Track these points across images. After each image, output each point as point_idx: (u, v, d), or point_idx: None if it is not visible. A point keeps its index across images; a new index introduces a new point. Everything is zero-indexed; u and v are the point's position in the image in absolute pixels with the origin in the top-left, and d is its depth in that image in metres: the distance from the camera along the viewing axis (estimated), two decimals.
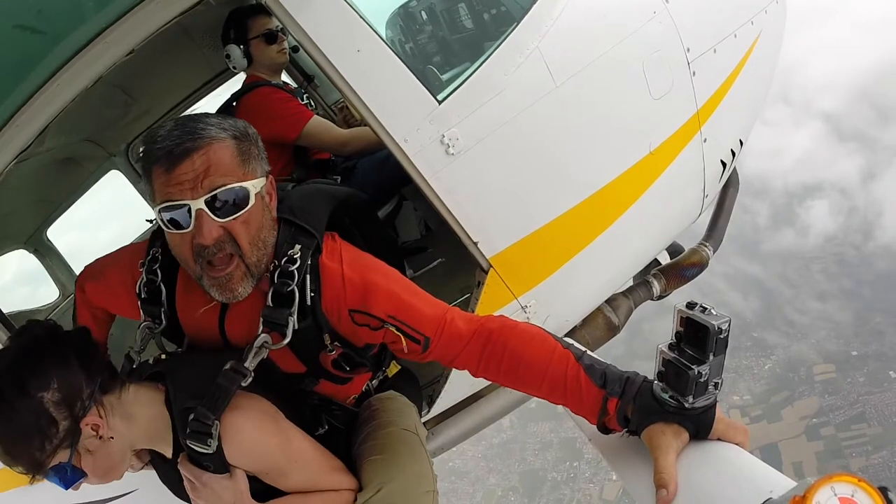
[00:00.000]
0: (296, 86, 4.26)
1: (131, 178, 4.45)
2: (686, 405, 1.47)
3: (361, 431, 2.04)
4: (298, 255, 1.69)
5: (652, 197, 2.73)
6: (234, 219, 1.58)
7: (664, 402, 1.51)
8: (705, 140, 2.89)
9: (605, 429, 1.62)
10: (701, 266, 3.50)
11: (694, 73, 2.75)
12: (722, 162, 3.15)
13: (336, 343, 1.80)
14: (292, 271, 1.67)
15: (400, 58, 2.21)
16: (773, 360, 76.83)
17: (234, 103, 3.32)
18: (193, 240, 1.57)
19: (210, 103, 4.25)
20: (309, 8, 2.09)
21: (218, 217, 1.56)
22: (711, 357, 1.45)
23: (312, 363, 1.86)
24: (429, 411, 2.74)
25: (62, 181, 4.29)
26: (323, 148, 3.37)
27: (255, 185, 1.61)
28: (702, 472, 1.47)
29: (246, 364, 1.64)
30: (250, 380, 1.64)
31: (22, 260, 4.51)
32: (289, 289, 1.67)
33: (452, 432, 2.99)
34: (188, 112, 4.28)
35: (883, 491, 1.10)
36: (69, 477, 1.57)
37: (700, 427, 1.50)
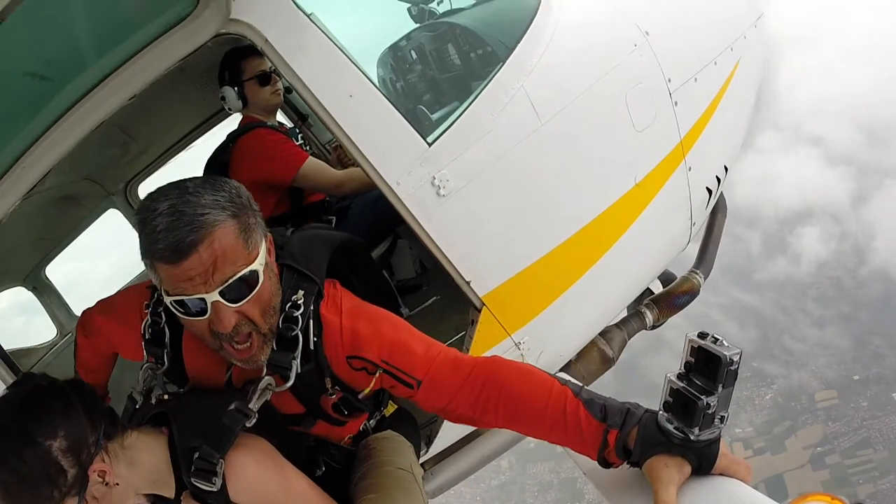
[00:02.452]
0: (290, 125, 4.33)
1: (130, 218, 4.49)
2: (692, 437, 1.46)
3: (358, 470, 2.05)
4: (302, 300, 1.73)
5: (640, 228, 2.78)
6: (247, 301, 1.60)
7: (669, 433, 1.50)
8: (690, 168, 2.96)
9: (605, 462, 1.61)
10: (692, 294, 3.53)
11: (676, 103, 2.83)
12: (708, 189, 3.22)
13: (336, 387, 1.83)
14: (296, 317, 1.71)
15: (391, 102, 2.28)
16: (774, 389, 76.18)
17: (230, 144, 3.37)
18: (211, 325, 1.60)
19: (207, 142, 4.31)
20: (302, 53, 2.17)
21: (232, 303, 1.58)
22: (721, 388, 1.45)
23: (312, 405, 1.89)
24: (427, 451, 2.74)
25: (61, 219, 4.32)
26: (318, 189, 3.42)
27: (261, 262, 1.62)
28: None
29: (250, 405, 1.68)
30: (254, 420, 1.68)
31: (16, 291, 4.51)
32: (293, 333, 1.71)
33: (451, 471, 2.98)
34: (189, 135, 4.31)
35: None
36: None
37: (703, 461, 1.50)
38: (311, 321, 1.74)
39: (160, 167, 4.40)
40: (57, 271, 4.65)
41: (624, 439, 1.54)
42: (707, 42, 3.10)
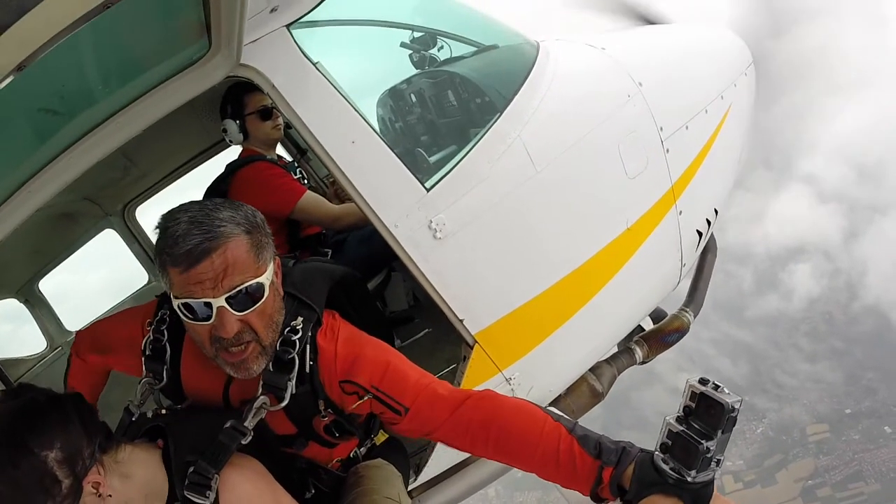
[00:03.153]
0: (290, 159, 4.37)
1: (126, 239, 4.52)
2: (689, 479, 1.49)
3: (346, 497, 2.08)
4: (300, 326, 1.82)
5: (631, 270, 2.85)
6: (251, 311, 1.69)
7: (665, 473, 1.52)
8: (681, 212, 3.06)
9: (598, 498, 1.64)
10: (682, 332, 3.58)
11: (668, 151, 2.94)
12: (698, 231, 3.31)
13: (329, 410, 1.89)
14: (294, 340, 1.80)
15: (391, 149, 2.37)
16: (765, 423, 75.72)
17: (230, 175, 3.41)
18: (213, 331, 1.68)
19: (206, 170, 4.36)
20: (307, 100, 2.27)
21: (237, 311, 1.67)
22: (720, 434, 1.48)
23: (305, 426, 1.94)
24: (416, 479, 2.75)
25: (58, 236, 4.37)
26: (315, 223, 3.48)
27: (268, 277, 1.72)
28: None
29: (245, 423, 1.74)
30: (250, 438, 1.73)
31: (6, 301, 4.53)
32: (290, 356, 1.79)
33: (439, 499, 2.97)
34: (187, 170, 4.38)
35: None
36: None
37: (698, 501, 1.53)
38: (308, 346, 1.81)
39: (159, 191, 4.45)
40: (47, 282, 4.68)
41: (619, 477, 1.57)
42: (698, 91, 3.23)
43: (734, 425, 1.49)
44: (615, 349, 3.44)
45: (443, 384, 1.85)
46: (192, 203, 1.73)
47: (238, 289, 1.65)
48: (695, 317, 3.67)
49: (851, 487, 66.02)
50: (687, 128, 3.05)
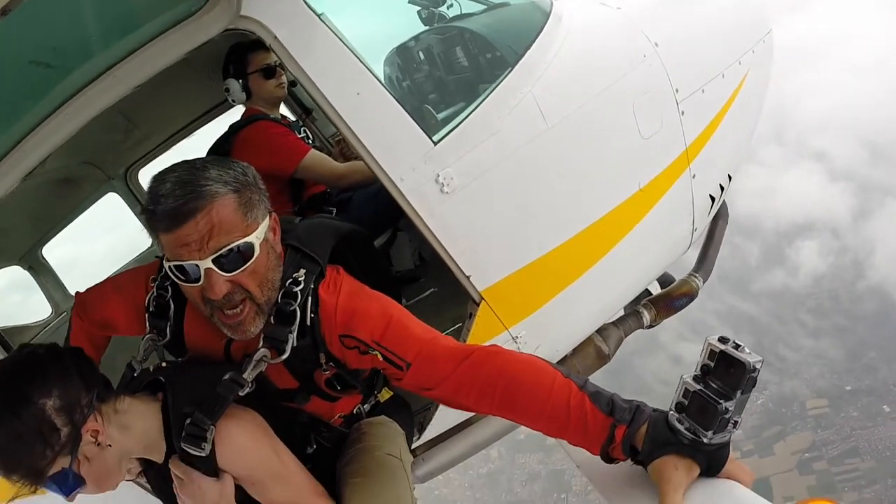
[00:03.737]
0: (294, 119, 4.32)
1: (129, 202, 4.48)
2: (704, 440, 1.45)
3: (347, 453, 2.09)
4: (303, 278, 1.78)
5: (642, 231, 2.81)
6: (241, 271, 1.65)
7: (680, 433, 1.48)
8: (694, 176, 2.99)
9: (608, 458, 1.61)
10: (690, 296, 3.56)
11: (683, 113, 2.86)
12: (710, 196, 3.25)
13: (330, 363, 1.87)
14: (296, 292, 1.76)
15: (398, 101, 2.30)
16: (766, 395, 76.35)
17: (232, 135, 3.37)
18: (203, 292, 1.65)
19: (209, 132, 4.30)
20: (311, 52, 2.19)
21: (226, 272, 1.63)
22: (739, 394, 1.44)
23: (306, 380, 1.93)
24: (419, 437, 2.76)
25: (60, 201, 4.33)
26: (320, 181, 3.43)
27: (258, 235, 1.67)
28: None
29: (244, 375, 1.72)
30: (248, 390, 1.72)
31: (14, 269, 4.53)
32: (291, 308, 1.75)
33: (442, 458, 3.02)
34: (190, 133, 4.34)
35: None
36: (70, 483, 1.60)
37: (713, 463, 1.50)
38: (310, 298, 1.78)
39: (161, 154, 4.39)
40: (54, 251, 4.68)
41: (632, 436, 1.54)
42: (716, 55, 3.14)
43: (754, 386, 1.45)
44: (622, 312, 3.44)
45: (447, 339, 1.82)
46: (181, 163, 1.69)
47: (227, 248, 1.61)
48: (703, 282, 3.66)
49: (847, 463, 66.89)
50: (703, 91, 2.96)
